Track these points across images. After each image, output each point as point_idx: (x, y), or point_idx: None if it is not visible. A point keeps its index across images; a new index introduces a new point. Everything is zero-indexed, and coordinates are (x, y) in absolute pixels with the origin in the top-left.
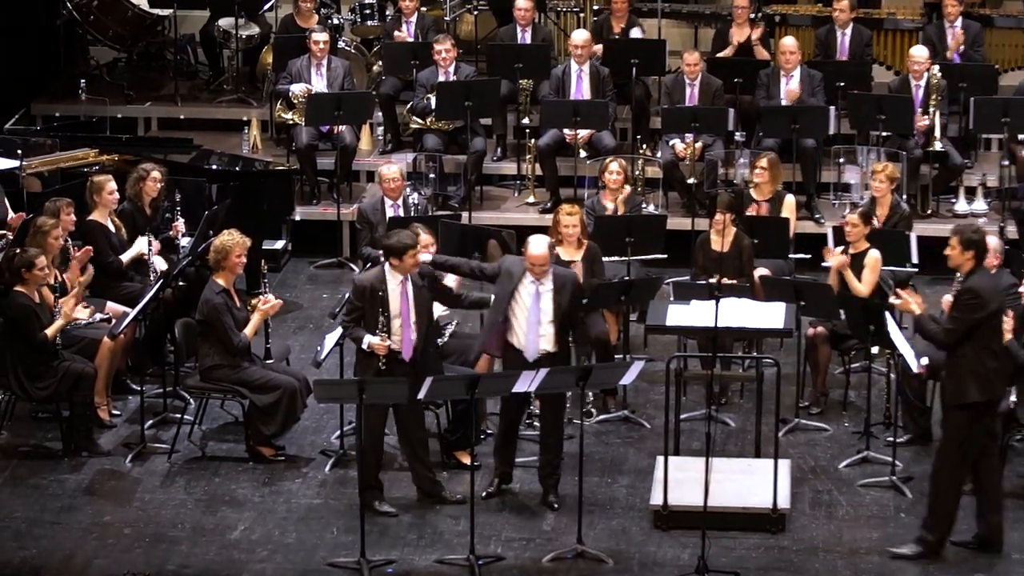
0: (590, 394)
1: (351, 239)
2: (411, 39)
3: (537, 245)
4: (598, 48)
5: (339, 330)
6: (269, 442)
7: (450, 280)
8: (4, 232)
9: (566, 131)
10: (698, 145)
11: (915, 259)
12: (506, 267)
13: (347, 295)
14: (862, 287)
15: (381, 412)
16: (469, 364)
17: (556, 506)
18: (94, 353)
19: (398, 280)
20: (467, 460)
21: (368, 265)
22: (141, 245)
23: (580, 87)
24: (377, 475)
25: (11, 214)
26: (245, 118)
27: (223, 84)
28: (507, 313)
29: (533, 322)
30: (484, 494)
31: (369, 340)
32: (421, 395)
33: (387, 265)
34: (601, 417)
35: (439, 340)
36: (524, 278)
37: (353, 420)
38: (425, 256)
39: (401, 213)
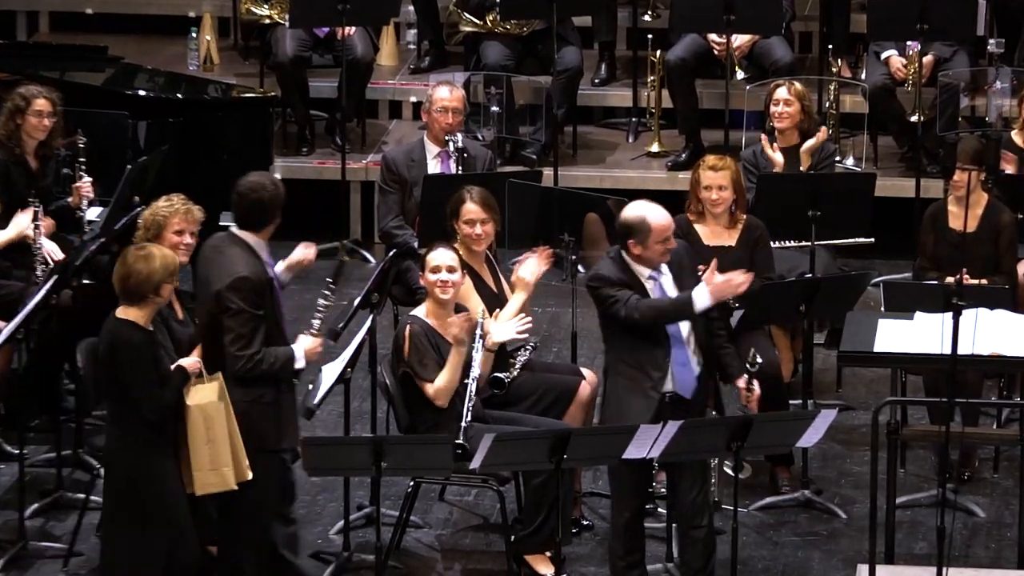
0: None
1: (365, 209)
2: None
3: (660, 213)
4: None
5: (342, 359)
6: None
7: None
8: None
9: (712, 37)
10: (927, 60)
11: None
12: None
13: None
14: None
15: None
16: (554, 412)
17: None
18: None
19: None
20: (546, 570)
21: (392, 253)
22: (21, 220)
23: None
24: None
25: None
26: (192, 14)
27: None
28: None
29: (674, 336)
30: None
31: (305, 345)
32: (475, 464)
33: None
34: (767, 501)
35: (505, 376)
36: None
37: (366, 504)
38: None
39: (452, 169)
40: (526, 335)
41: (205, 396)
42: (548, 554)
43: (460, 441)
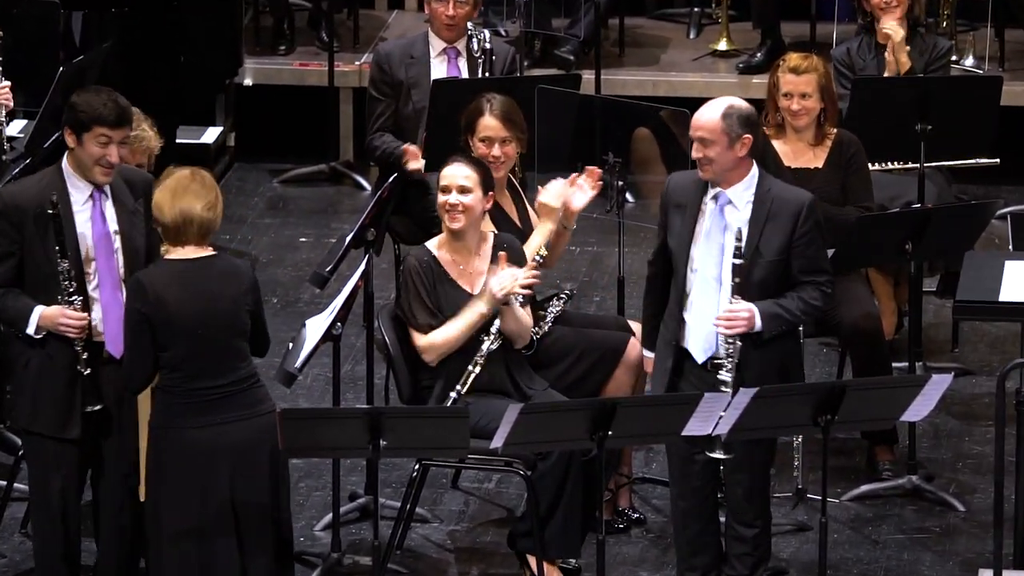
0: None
1: (358, 123)
2: None
3: (710, 109)
4: None
5: (329, 311)
6: None
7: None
8: None
9: None
10: None
11: None
12: (671, 188)
13: None
14: None
15: (73, 465)
16: (591, 380)
17: None
18: None
19: (85, 194)
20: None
21: (392, 179)
22: None
23: None
24: None
25: None
26: None
27: None
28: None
29: (709, 280)
30: None
31: (46, 312)
32: (497, 442)
33: (66, 160)
34: (865, 489)
35: (534, 332)
36: (704, 195)
37: (360, 493)
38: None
39: (462, 70)
40: (528, 291)
41: None
42: (558, 561)
43: None
